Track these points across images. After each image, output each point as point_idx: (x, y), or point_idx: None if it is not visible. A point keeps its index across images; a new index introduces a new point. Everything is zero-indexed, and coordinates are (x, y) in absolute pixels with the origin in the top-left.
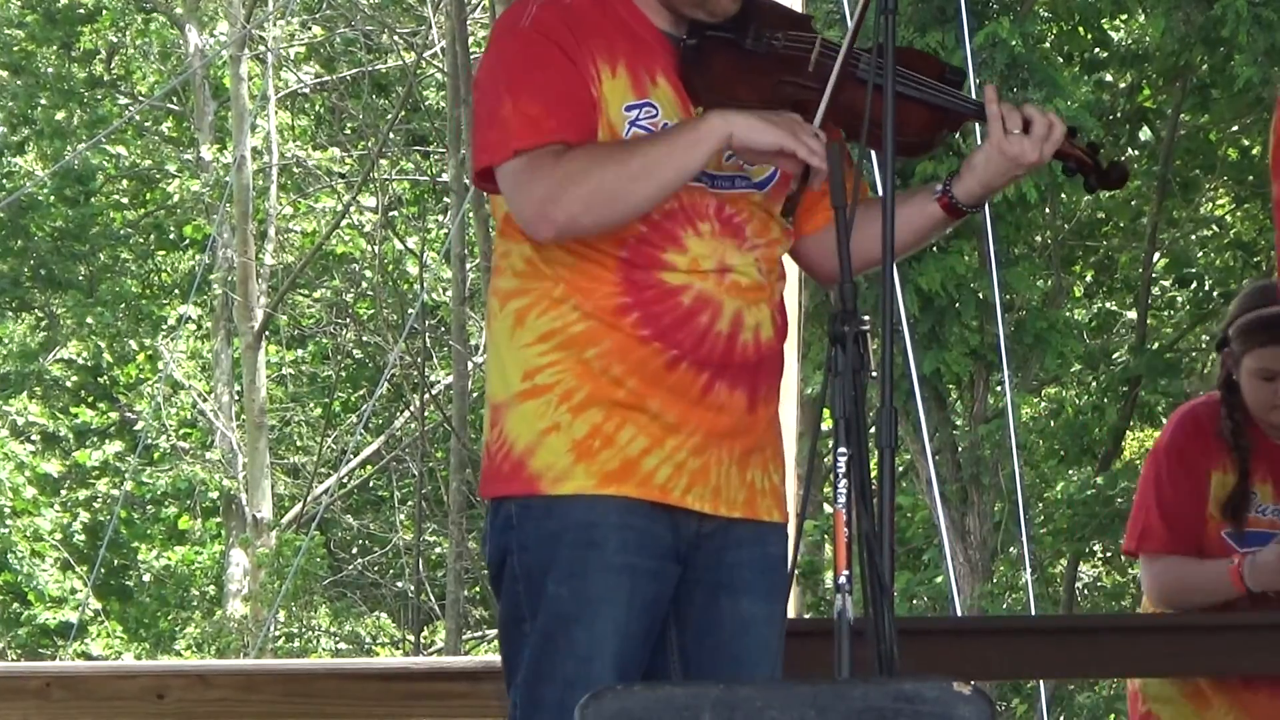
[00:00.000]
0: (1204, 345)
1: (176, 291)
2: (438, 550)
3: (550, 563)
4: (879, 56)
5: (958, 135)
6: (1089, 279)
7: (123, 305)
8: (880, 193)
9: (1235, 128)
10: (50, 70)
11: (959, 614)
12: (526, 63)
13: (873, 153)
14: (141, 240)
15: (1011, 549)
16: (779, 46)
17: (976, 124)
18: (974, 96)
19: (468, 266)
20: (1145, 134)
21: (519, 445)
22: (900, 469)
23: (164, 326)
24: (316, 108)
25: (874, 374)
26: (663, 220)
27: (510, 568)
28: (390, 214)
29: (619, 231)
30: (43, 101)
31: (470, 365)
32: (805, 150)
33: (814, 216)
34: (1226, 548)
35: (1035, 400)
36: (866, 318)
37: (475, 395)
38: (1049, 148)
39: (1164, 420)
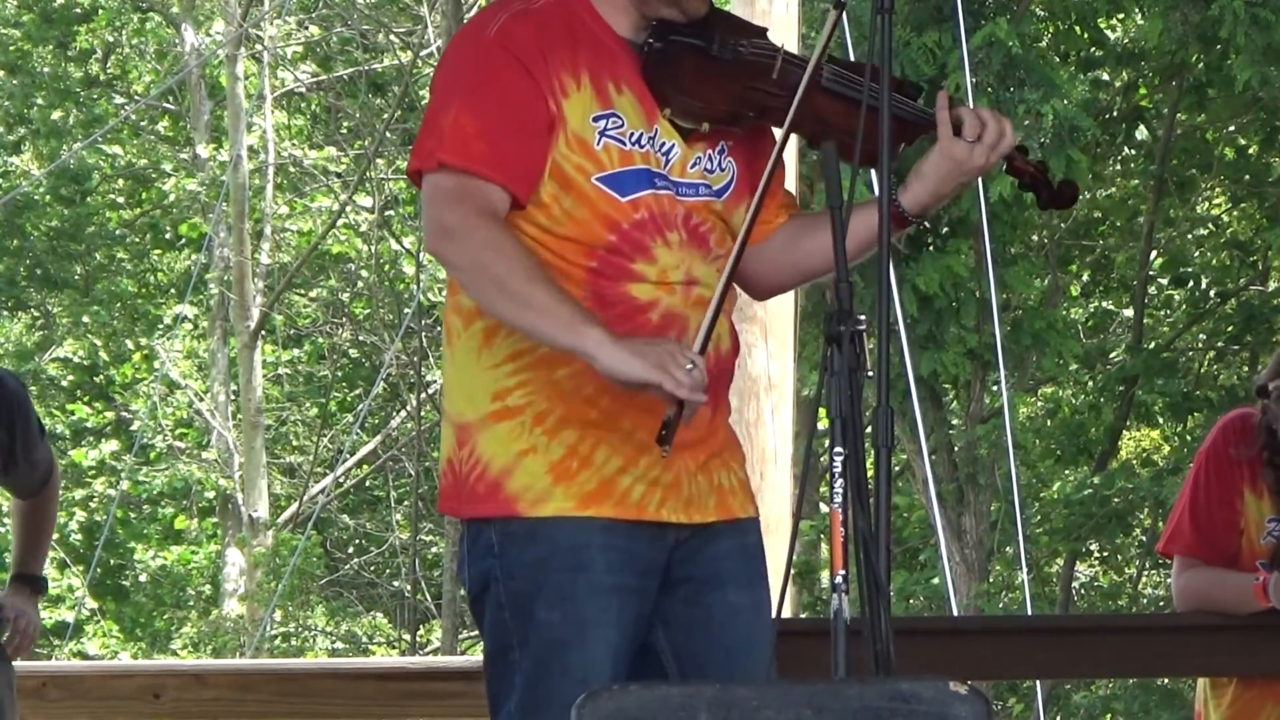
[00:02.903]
0: (1200, 345)
1: (172, 291)
2: (434, 550)
3: (538, 588)
4: (871, 57)
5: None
6: (1085, 278)
7: (119, 304)
8: (876, 195)
9: (1232, 127)
10: (46, 69)
11: (955, 614)
12: (480, 75)
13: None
14: (137, 240)
15: (1008, 549)
16: (745, 53)
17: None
18: (969, 99)
19: None
20: (1142, 133)
21: (495, 466)
22: (897, 469)
23: (160, 326)
24: (313, 107)
25: (870, 373)
26: (632, 230)
27: (495, 595)
28: (386, 213)
29: (589, 240)
30: (39, 101)
31: None
32: (672, 383)
33: (756, 229)
34: (1256, 568)
35: (1032, 400)
36: (863, 317)
37: None
38: (995, 154)
39: (1161, 420)
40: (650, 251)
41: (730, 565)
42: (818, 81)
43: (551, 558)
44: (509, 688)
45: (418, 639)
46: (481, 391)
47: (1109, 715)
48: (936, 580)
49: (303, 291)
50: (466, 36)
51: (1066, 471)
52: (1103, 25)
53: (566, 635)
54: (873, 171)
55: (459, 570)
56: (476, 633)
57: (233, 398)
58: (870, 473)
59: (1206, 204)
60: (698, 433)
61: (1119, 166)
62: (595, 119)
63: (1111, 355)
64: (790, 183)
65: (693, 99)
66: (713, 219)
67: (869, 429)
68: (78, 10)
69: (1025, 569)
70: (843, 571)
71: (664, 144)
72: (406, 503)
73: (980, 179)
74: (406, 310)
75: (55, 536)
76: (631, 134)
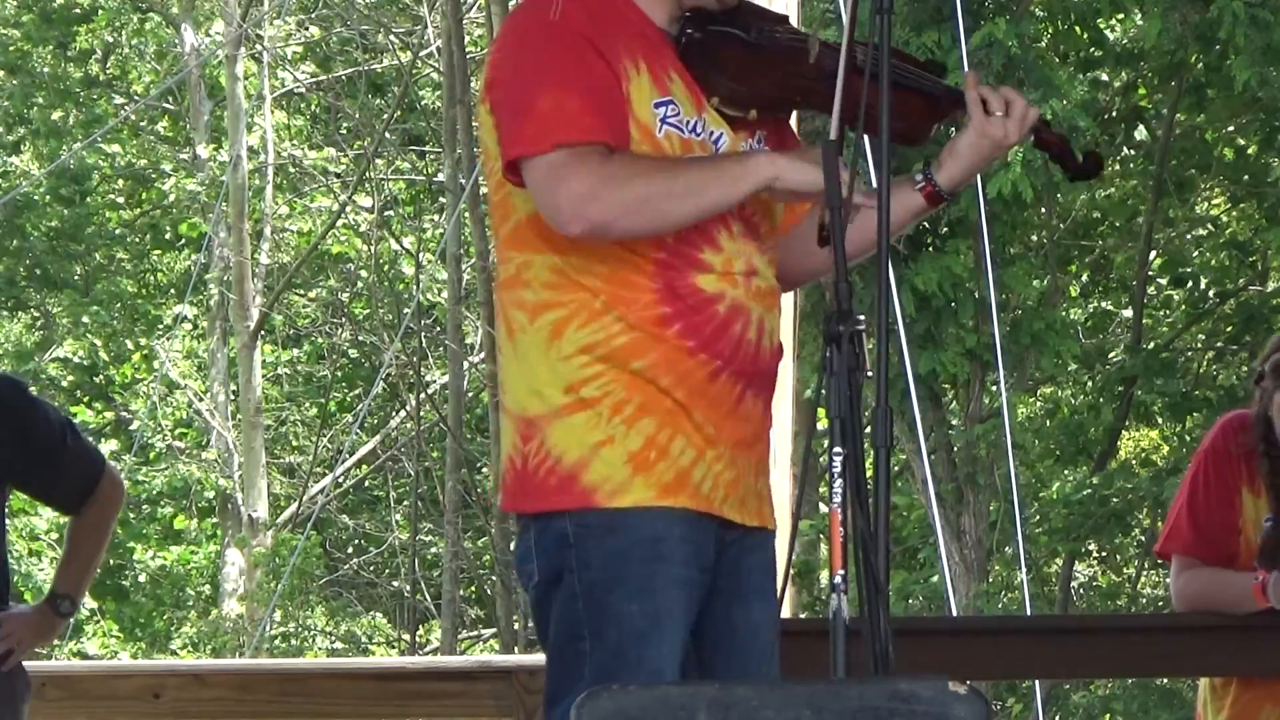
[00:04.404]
0: (1199, 345)
1: (172, 291)
2: (433, 550)
3: (617, 579)
4: (874, 52)
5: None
6: (1085, 279)
7: (118, 305)
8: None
9: (1231, 127)
10: (46, 70)
11: (954, 614)
12: (560, 56)
13: (869, 150)
14: (137, 240)
15: (1007, 549)
16: (781, 39)
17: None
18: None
19: (463, 266)
20: (1141, 133)
21: (568, 458)
22: (896, 468)
23: (160, 326)
24: (312, 107)
25: (869, 373)
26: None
27: (568, 585)
28: (386, 214)
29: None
30: (38, 101)
31: (465, 365)
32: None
33: (788, 218)
34: (1254, 568)
35: (1031, 400)
36: (862, 317)
37: (470, 395)
38: (1026, 128)
39: (1160, 421)
40: (716, 240)
41: (756, 580)
42: (853, 63)
43: (632, 548)
44: (575, 679)
45: (417, 639)
46: (552, 384)
47: (1108, 715)
48: (935, 580)
49: (302, 291)
50: (529, 25)
51: (1065, 471)
52: (1102, 25)
53: (645, 626)
54: (871, 171)
55: (520, 564)
56: (475, 633)
57: (232, 398)
58: (869, 473)
59: (1205, 204)
60: (754, 430)
61: (1118, 167)
62: (656, 105)
63: (1111, 355)
64: None
65: (739, 85)
66: (761, 209)
67: (868, 429)
68: (77, 10)
69: (1024, 569)
70: (841, 571)
71: (713, 132)
72: (406, 503)
73: (979, 180)
74: (406, 310)
75: (55, 536)
76: (688, 121)
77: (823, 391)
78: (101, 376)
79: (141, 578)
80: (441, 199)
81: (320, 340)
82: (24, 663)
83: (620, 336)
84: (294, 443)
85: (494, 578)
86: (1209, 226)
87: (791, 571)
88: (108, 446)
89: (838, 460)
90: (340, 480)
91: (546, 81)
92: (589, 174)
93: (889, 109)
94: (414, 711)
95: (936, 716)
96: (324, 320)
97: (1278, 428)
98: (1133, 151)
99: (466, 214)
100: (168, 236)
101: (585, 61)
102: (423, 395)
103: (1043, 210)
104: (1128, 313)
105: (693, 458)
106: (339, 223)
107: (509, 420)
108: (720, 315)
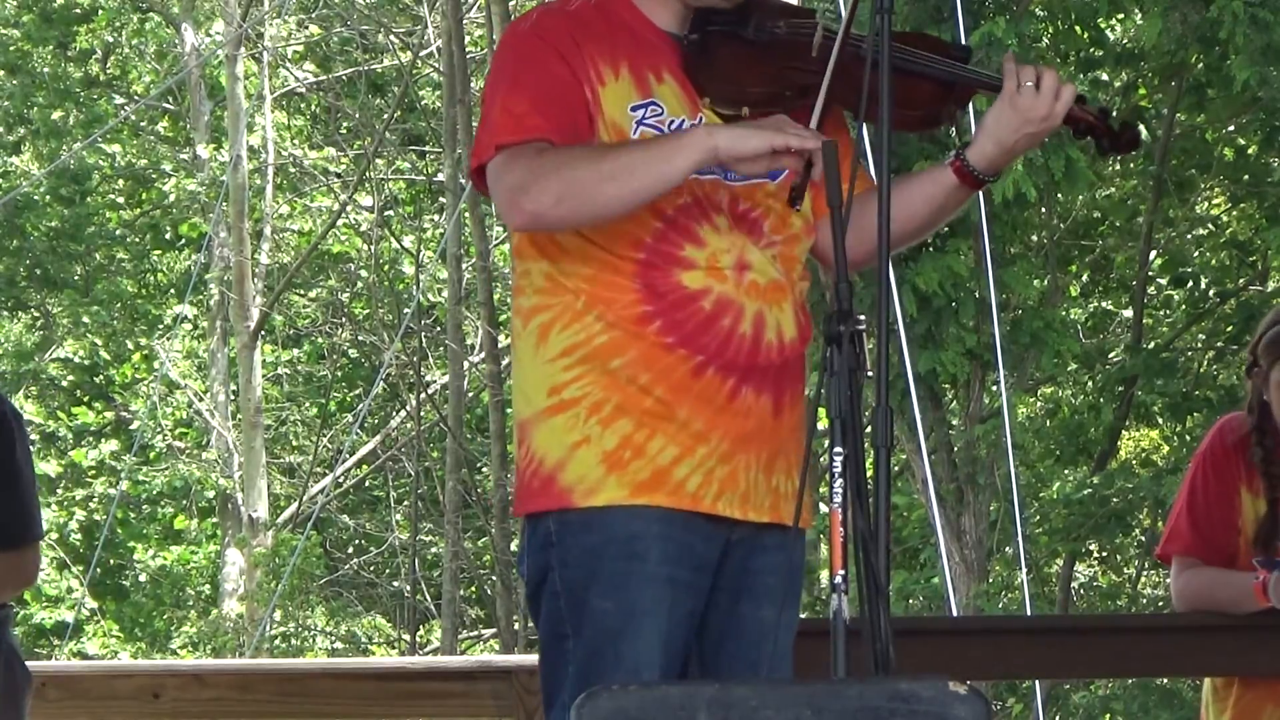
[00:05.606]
0: (1200, 345)
1: (172, 291)
2: (434, 550)
3: (592, 577)
4: (875, 45)
5: (953, 132)
6: (1085, 278)
7: (118, 305)
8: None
9: (1231, 127)
10: (46, 70)
11: (955, 614)
12: (519, 64)
13: (868, 147)
14: (137, 240)
15: (1007, 549)
16: (781, 34)
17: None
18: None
19: (463, 266)
20: (1141, 133)
21: (549, 460)
22: (896, 469)
23: (160, 326)
24: (313, 107)
25: (869, 373)
26: (678, 216)
27: (551, 584)
28: (386, 213)
29: (634, 231)
30: (39, 101)
31: (466, 365)
32: (797, 140)
33: (820, 204)
34: (1254, 567)
35: (1031, 400)
36: (862, 317)
37: (470, 395)
38: (1060, 105)
39: (1160, 420)
40: (697, 236)
41: (772, 581)
42: (855, 53)
43: (607, 546)
44: (562, 677)
45: (417, 639)
46: (537, 387)
47: (1108, 715)
48: (936, 580)
49: (302, 291)
50: (504, 41)
51: (1066, 471)
52: (1102, 25)
53: (619, 624)
54: (871, 163)
55: (518, 565)
56: (475, 633)
57: (232, 398)
58: (870, 473)
59: (1206, 204)
60: (760, 426)
61: (1118, 166)
62: (634, 108)
63: (1111, 355)
64: None
65: (727, 84)
66: (766, 203)
67: (868, 429)
68: (78, 10)
69: (1025, 569)
70: (842, 571)
71: None
72: (406, 503)
73: None
74: (406, 310)
75: (55, 536)
76: (671, 121)
77: (823, 391)
78: (101, 376)
79: (141, 578)
80: (441, 199)
81: (320, 340)
82: (26, 662)
83: (600, 336)
84: (294, 443)
85: (494, 578)
86: (1209, 226)
87: None
88: (108, 446)
89: (838, 460)
90: (340, 480)
91: (500, 91)
92: (521, 168)
93: (893, 97)
94: (414, 711)
95: (936, 716)
96: (324, 320)
97: (1273, 407)
98: (1133, 151)
99: (466, 214)
100: (168, 236)
101: (542, 65)
102: (423, 395)
103: (1043, 210)
104: (1128, 313)
105: (674, 455)
106: (339, 222)
107: (515, 426)
108: (705, 311)
